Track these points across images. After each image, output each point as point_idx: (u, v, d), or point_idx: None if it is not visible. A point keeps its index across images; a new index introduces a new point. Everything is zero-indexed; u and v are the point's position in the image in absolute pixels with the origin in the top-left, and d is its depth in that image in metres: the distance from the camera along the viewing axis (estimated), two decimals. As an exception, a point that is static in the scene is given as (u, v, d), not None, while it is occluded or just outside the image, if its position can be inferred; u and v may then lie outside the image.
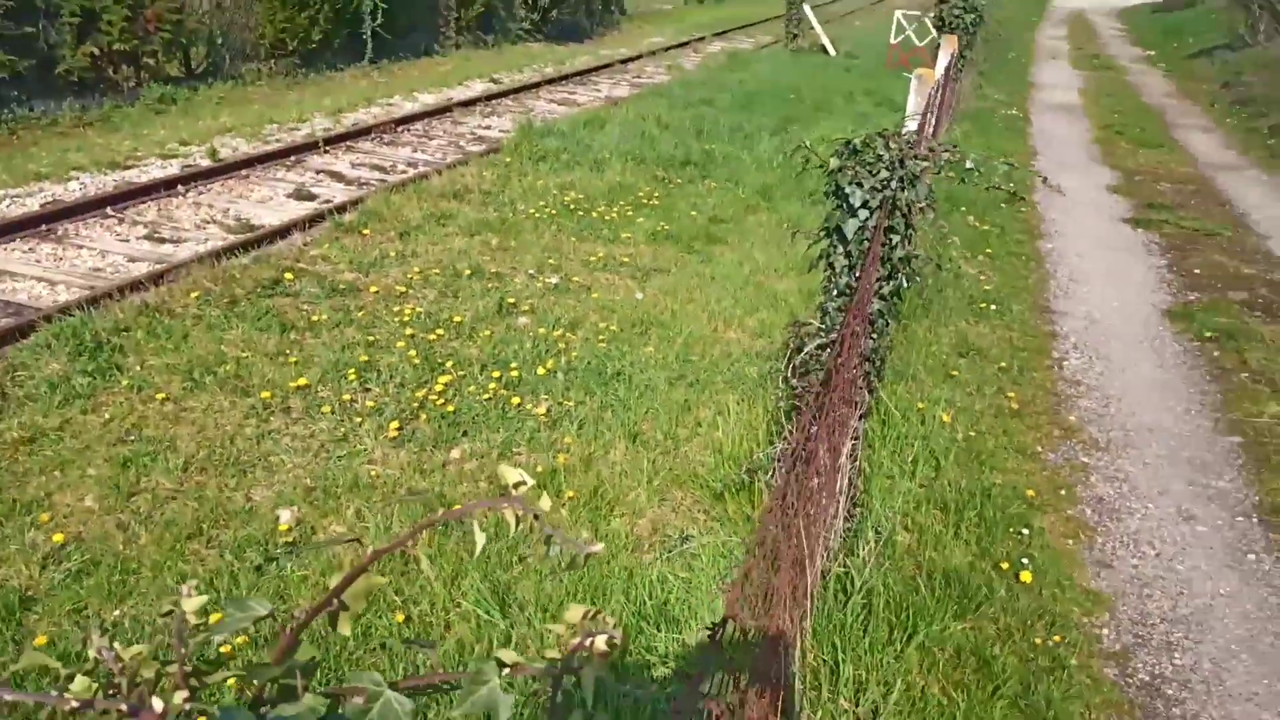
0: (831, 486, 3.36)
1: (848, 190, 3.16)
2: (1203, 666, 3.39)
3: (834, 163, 3.20)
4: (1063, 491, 4.40)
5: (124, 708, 0.51)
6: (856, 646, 3.01)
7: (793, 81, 14.73)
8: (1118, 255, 7.98)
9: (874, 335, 3.40)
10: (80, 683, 0.68)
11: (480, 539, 0.84)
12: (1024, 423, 4.99)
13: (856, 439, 3.48)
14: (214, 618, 0.80)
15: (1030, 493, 4.30)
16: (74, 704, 0.52)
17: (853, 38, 21.79)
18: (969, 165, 3.40)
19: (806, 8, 18.94)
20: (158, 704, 0.53)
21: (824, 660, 2.92)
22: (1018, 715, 2.99)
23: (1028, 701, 3.05)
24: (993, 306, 6.41)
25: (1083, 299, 6.91)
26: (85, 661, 0.70)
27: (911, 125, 5.78)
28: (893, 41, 17.23)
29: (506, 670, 0.71)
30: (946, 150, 3.34)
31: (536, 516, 0.84)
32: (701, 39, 22.39)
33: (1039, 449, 4.76)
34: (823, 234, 3.32)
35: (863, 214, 3.17)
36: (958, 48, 8.49)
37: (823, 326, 3.41)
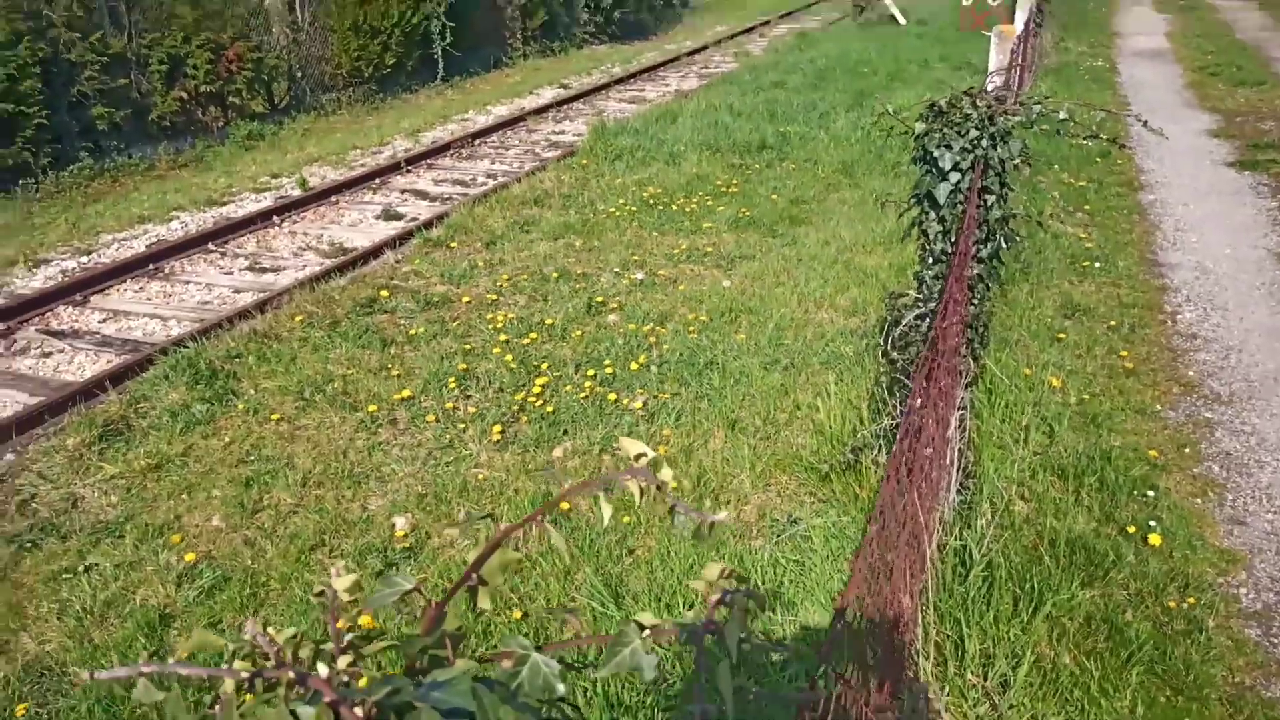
0: (941, 458, 3.28)
1: (936, 153, 3.08)
2: (1356, 622, 3.19)
3: (919, 127, 3.12)
4: (1186, 449, 4.21)
5: (292, 674, 0.53)
6: (981, 619, 2.93)
7: (864, 55, 14.45)
8: (1224, 200, 7.59)
9: (975, 301, 3.30)
10: (241, 665, 0.71)
11: (607, 511, 0.85)
12: (1140, 381, 4.79)
13: (964, 409, 3.39)
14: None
15: (1153, 453, 4.12)
16: (244, 675, 0.55)
17: (922, 6, 21.25)
18: (1062, 116, 3.27)
19: (873, -20, 18.58)
20: (323, 669, 0.54)
21: (948, 635, 2.85)
22: (1155, 681, 2.87)
23: (1165, 667, 2.92)
24: (1096, 264, 6.17)
25: (1191, 249, 6.59)
26: (242, 647, 0.73)
27: (997, 81, 5.61)
28: (964, 4, 16.74)
29: (646, 633, 0.72)
30: (1038, 102, 3.22)
31: (660, 487, 0.84)
32: (766, 23, 22.17)
33: (1158, 407, 4.56)
34: (913, 202, 3.24)
35: (954, 176, 3.08)
36: (1036, 1, 8.19)
37: (920, 296, 3.33)
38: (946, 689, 2.74)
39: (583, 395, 4.76)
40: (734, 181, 8.40)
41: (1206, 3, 20.37)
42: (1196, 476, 4.02)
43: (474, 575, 0.75)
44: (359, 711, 0.50)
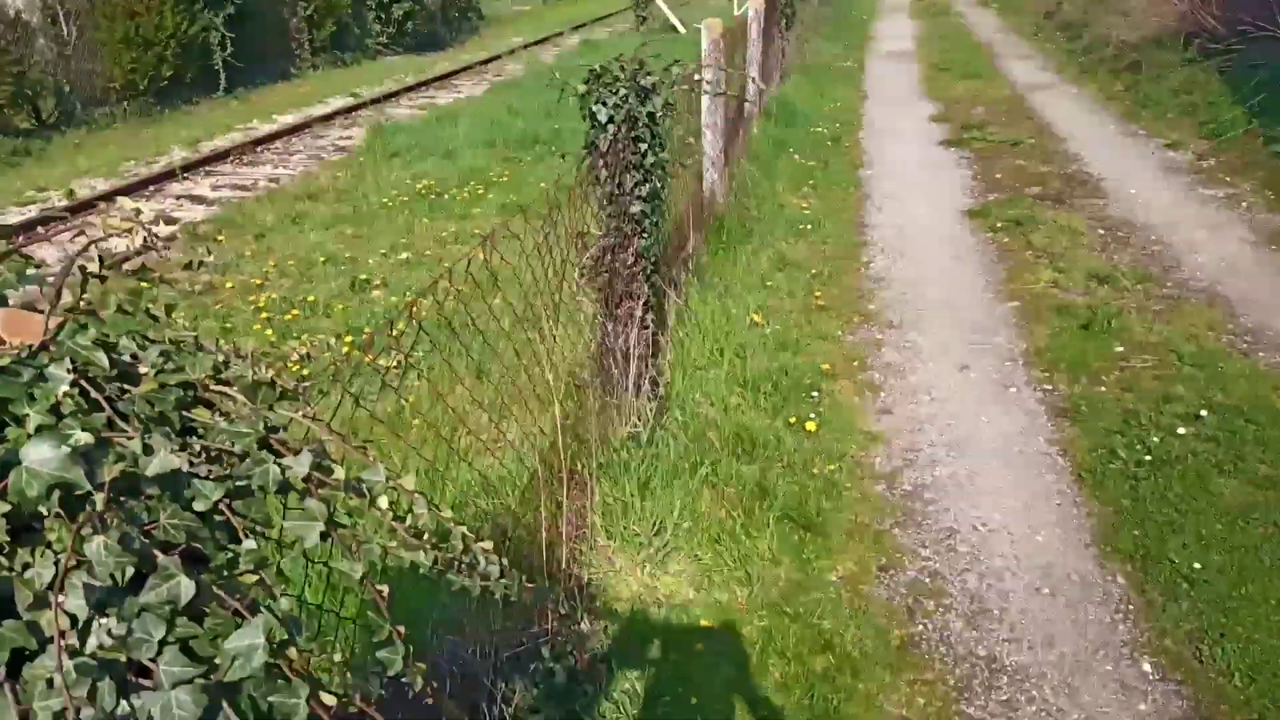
0: (624, 365, 3.90)
1: (595, 109, 3.69)
2: (959, 475, 4.02)
3: (581, 88, 3.72)
4: (855, 362, 5.03)
5: None
6: (649, 485, 3.54)
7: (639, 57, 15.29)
8: (929, 173, 8.74)
9: (644, 234, 3.93)
10: None
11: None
12: (829, 315, 5.62)
13: (645, 327, 4.01)
14: None
15: (825, 366, 4.91)
16: None
17: (703, 15, 22.50)
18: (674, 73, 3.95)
19: (652, -12, 19.60)
20: None
21: (617, 498, 3.44)
22: (791, 524, 3.57)
23: (800, 514, 3.62)
24: (809, 227, 7.06)
25: (894, 213, 7.61)
26: None
27: (707, 74, 6.37)
28: (736, 13, 17.97)
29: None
30: (671, 65, 3.89)
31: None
32: (560, 34, 22.88)
33: (839, 334, 5.39)
34: (585, 153, 3.83)
35: (610, 129, 3.70)
36: (763, 3, 9.14)
37: (601, 233, 3.93)
38: (615, 539, 3.32)
39: (340, 359, 5.12)
40: (506, 173, 8.92)
41: (954, 10, 22.59)
42: (859, 382, 4.84)
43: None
44: None
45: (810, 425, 4.26)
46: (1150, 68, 11.45)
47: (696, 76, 3.90)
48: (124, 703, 0.87)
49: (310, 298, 5.92)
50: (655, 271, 4.11)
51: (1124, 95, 11.22)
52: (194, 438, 1.01)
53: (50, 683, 0.85)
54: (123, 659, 0.88)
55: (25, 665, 0.86)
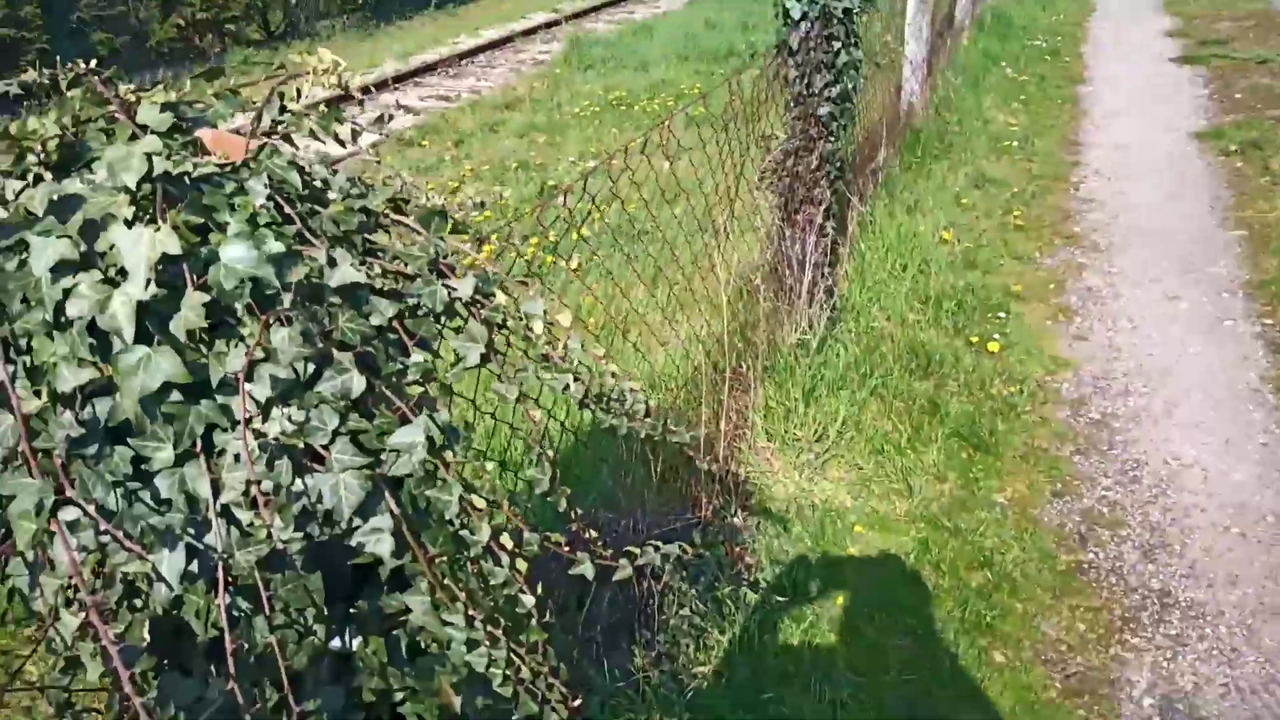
0: (799, 271, 3.85)
1: (788, 5, 3.59)
2: (1154, 406, 3.75)
3: (777, -17, 3.63)
4: (1051, 285, 4.74)
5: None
6: (814, 392, 3.51)
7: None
8: (1158, 90, 7.97)
9: (830, 137, 3.83)
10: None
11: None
12: (1027, 235, 5.31)
13: (825, 235, 3.93)
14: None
15: (1017, 287, 4.66)
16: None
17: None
18: None
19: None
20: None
21: (780, 401, 3.44)
22: (960, 441, 3.46)
23: (972, 432, 3.50)
24: (1014, 144, 6.63)
25: (1114, 132, 7.02)
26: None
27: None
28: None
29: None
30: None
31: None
32: (763, -55, 22.21)
33: (1037, 255, 5.09)
34: (776, 51, 3.75)
35: (804, 26, 3.60)
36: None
37: (786, 135, 3.86)
38: (776, 441, 3.34)
39: (525, 259, 5.33)
40: (698, 86, 8.84)
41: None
42: (1054, 305, 4.57)
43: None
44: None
45: (993, 346, 4.07)
46: None
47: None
48: (299, 481, 0.99)
49: (503, 199, 6.16)
50: (840, 178, 4.00)
51: None
52: (374, 258, 1.11)
53: (238, 458, 0.97)
54: (300, 444, 0.99)
55: (217, 440, 0.98)
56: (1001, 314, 4.39)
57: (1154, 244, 5.15)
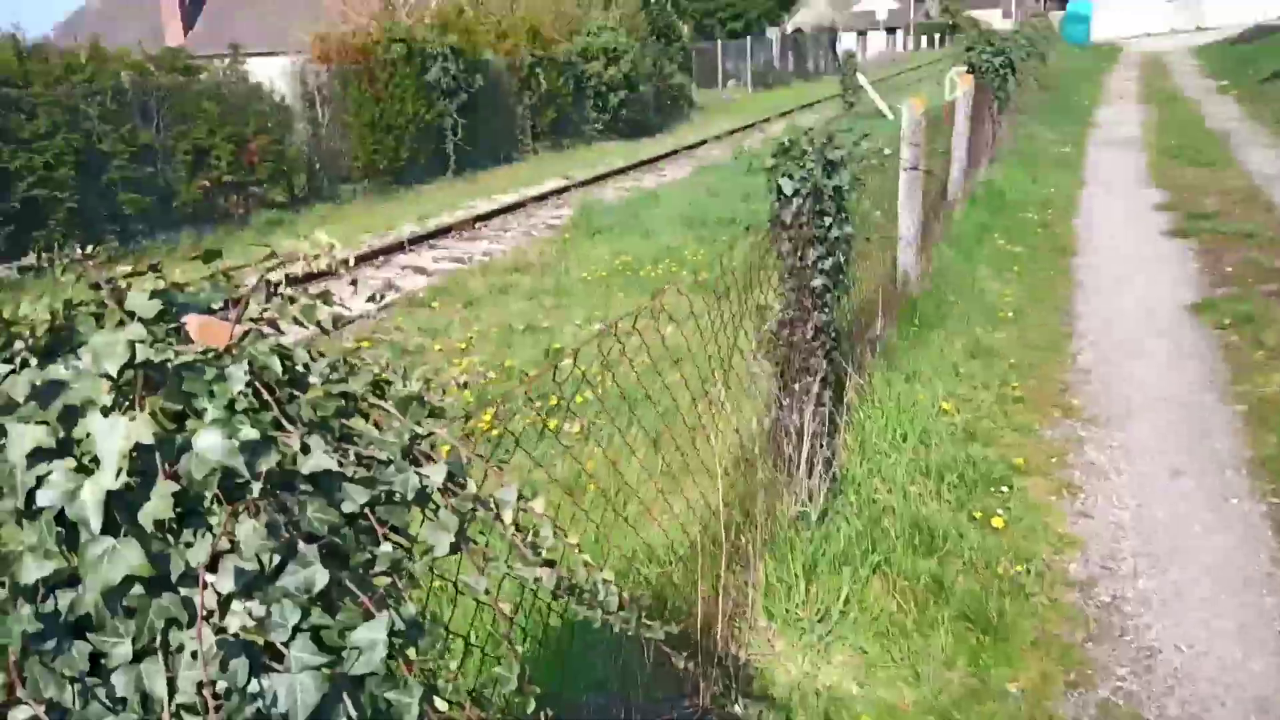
0: (798, 442, 3.84)
1: (781, 183, 3.73)
2: (1164, 589, 3.65)
3: (770, 161, 3.79)
4: (1054, 459, 4.71)
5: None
6: (816, 568, 3.43)
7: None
8: (1149, 263, 8.17)
9: (824, 309, 3.90)
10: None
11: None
12: (1026, 407, 5.31)
13: (822, 405, 3.94)
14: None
15: (1019, 460, 4.62)
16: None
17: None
18: (862, 145, 3.92)
19: (860, 76, 19.71)
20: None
21: (781, 578, 3.35)
22: (969, 625, 3.34)
23: (981, 616, 3.38)
24: (1010, 314, 6.74)
25: (1106, 303, 7.15)
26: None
27: (906, 152, 6.32)
28: (947, 98, 17.73)
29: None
30: (860, 139, 3.88)
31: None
32: (767, 120, 23.41)
33: (1037, 427, 5.08)
34: (770, 226, 3.87)
35: (795, 202, 3.73)
36: (971, 85, 8.99)
37: (781, 307, 3.93)
38: (777, 621, 3.23)
39: (528, 422, 5.34)
40: (701, 251, 9.11)
41: (1186, 97, 21.29)
42: (1057, 480, 4.52)
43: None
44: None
45: (997, 521, 4.00)
46: None
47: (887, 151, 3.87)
48: (255, 681, 0.94)
49: (508, 363, 6.23)
50: (836, 348, 4.05)
51: (1388, 189, 10.12)
52: (350, 444, 1.10)
53: (195, 655, 0.93)
54: (259, 641, 0.95)
55: (174, 636, 0.95)
56: (1004, 488, 4.33)
57: (1153, 418, 5.15)
